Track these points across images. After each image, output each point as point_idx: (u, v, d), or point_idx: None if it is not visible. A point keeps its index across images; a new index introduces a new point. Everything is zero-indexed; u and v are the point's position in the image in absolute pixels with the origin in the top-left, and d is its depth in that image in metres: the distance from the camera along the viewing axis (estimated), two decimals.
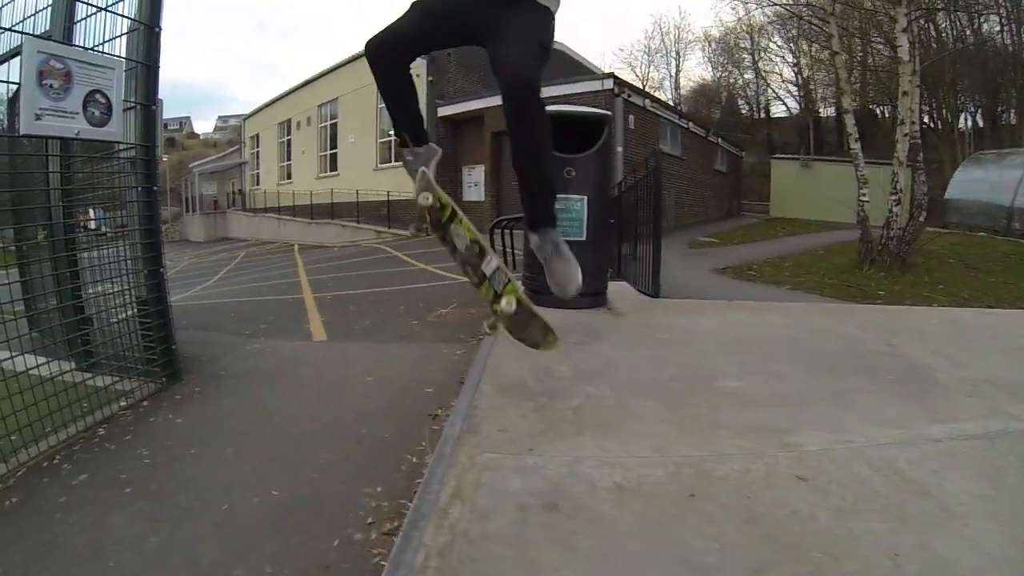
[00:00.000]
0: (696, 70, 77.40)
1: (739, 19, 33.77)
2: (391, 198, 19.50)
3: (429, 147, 3.16)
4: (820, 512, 1.87)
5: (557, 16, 2.87)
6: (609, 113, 4.81)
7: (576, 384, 3.01)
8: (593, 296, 4.63)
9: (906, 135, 10.11)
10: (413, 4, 2.82)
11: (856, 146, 10.67)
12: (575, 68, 23.78)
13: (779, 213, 25.41)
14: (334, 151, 26.39)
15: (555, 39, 2.87)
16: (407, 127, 3.12)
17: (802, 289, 8.49)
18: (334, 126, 26.30)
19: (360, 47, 2.89)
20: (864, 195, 10.43)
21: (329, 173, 26.42)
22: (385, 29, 2.80)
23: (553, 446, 2.33)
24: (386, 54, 2.80)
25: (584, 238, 4.51)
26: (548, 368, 3.25)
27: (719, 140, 27.26)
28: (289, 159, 31.15)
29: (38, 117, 3.23)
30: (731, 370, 3.23)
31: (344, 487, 2.66)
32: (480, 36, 2.77)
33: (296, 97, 29.33)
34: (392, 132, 3.26)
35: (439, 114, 19.62)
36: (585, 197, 4.51)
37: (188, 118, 70.50)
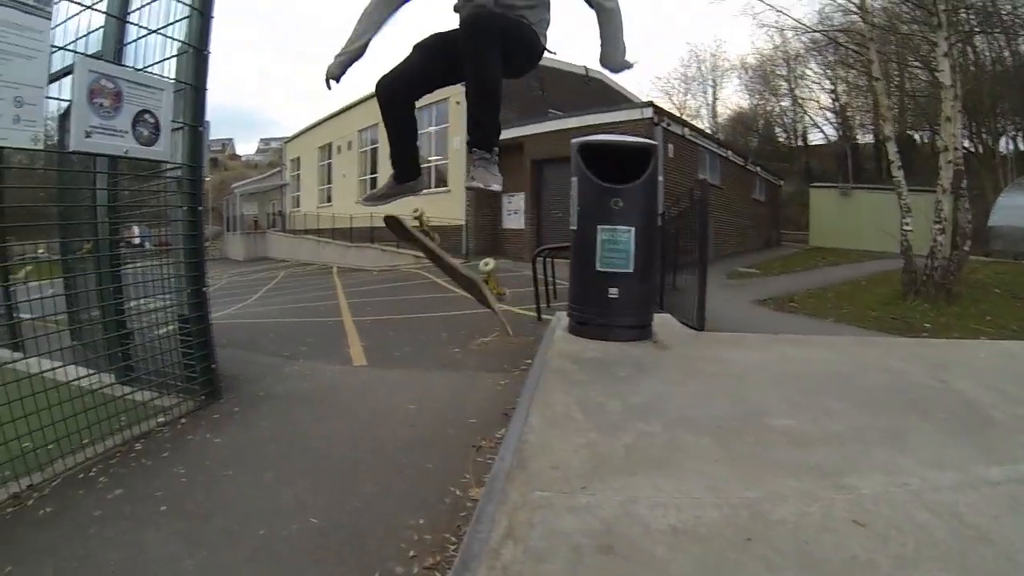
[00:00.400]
0: (733, 98, 76.83)
1: (776, 47, 33.60)
2: (432, 223, 19.33)
3: (419, 180, 3.53)
4: (880, 559, 1.78)
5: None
6: (656, 143, 4.71)
7: (627, 419, 2.92)
8: (639, 328, 4.55)
9: (950, 162, 9.89)
10: (415, 45, 3.08)
11: (899, 174, 10.43)
12: (613, 97, 23.69)
13: (819, 242, 24.85)
14: (375, 175, 26.28)
15: (536, 43, 3.06)
16: (406, 163, 3.42)
17: (845, 321, 8.32)
18: (375, 151, 26.21)
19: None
20: (907, 224, 10.19)
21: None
22: (393, 69, 3.04)
23: (606, 484, 2.24)
24: (397, 91, 3.06)
25: (631, 270, 4.42)
26: (597, 402, 3.16)
27: (758, 169, 26.70)
28: (330, 182, 31.37)
29: (88, 135, 3.27)
30: (781, 406, 3.13)
31: (386, 518, 2.61)
32: None
33: (337, 122, 29.57)
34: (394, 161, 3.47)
35: None
36: (633, 229, 4.41)
37: (231, 140, 72.20)
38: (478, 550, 1.82)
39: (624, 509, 2.07)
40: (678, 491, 2.20)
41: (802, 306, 9.64)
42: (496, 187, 3.04)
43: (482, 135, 3.03)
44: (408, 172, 3.45)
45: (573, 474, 2.33)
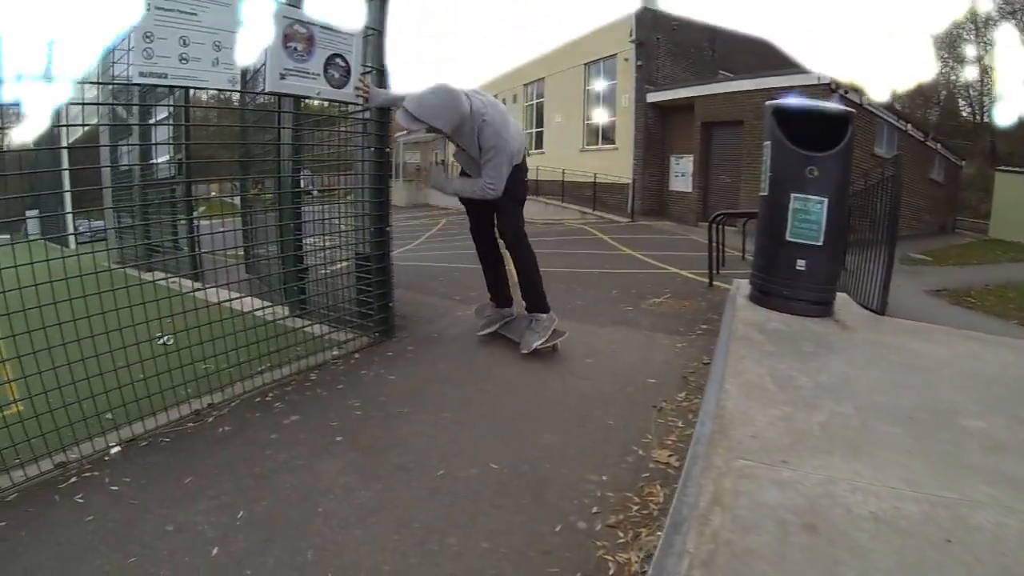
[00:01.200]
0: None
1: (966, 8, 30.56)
2: (597, 180, 19.13)
3: (509, 311, 4.32)
4: None
5: None
6: (853, 111, 4.42)
7: (818, 397, 2.85)
8: (823, 305, 4.39)
9: None
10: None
11: None
12: (784, 60, 22.36)
13: (1000, 234, 22.07)
14: (540, 129, 25.89)
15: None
16: (493, 290, 4.29)
17: None
18: (540, 105, 25.78)
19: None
20: None
21: (534, 151, 25.53)
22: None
23: (805, 461, 2.21)
24: (474, 233, 4.22)
25: (820, 243, 4.25)
26: (788, 375, 3.11)
27: (937, 146, 24.27)
28: None
29: (283, 76, 3.41)
30: (972, 407, 2.93)
31: (567, 471, 2.59)
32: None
33: (501, 76, 29.51)
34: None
35: (648, 100, 18.67)
36: (826, 200, 4.22)
37: None
38: (687, 514, 1.82)
39: (824, 489, 2.04)
40: (875, 479, 2.15)
41: (980, 302, 8.87)
42: (529, 347, 3.82)
43: (529, 301, 3.99)
44: (500, 299, 4.29)
45: (772, 446, 2.32)
